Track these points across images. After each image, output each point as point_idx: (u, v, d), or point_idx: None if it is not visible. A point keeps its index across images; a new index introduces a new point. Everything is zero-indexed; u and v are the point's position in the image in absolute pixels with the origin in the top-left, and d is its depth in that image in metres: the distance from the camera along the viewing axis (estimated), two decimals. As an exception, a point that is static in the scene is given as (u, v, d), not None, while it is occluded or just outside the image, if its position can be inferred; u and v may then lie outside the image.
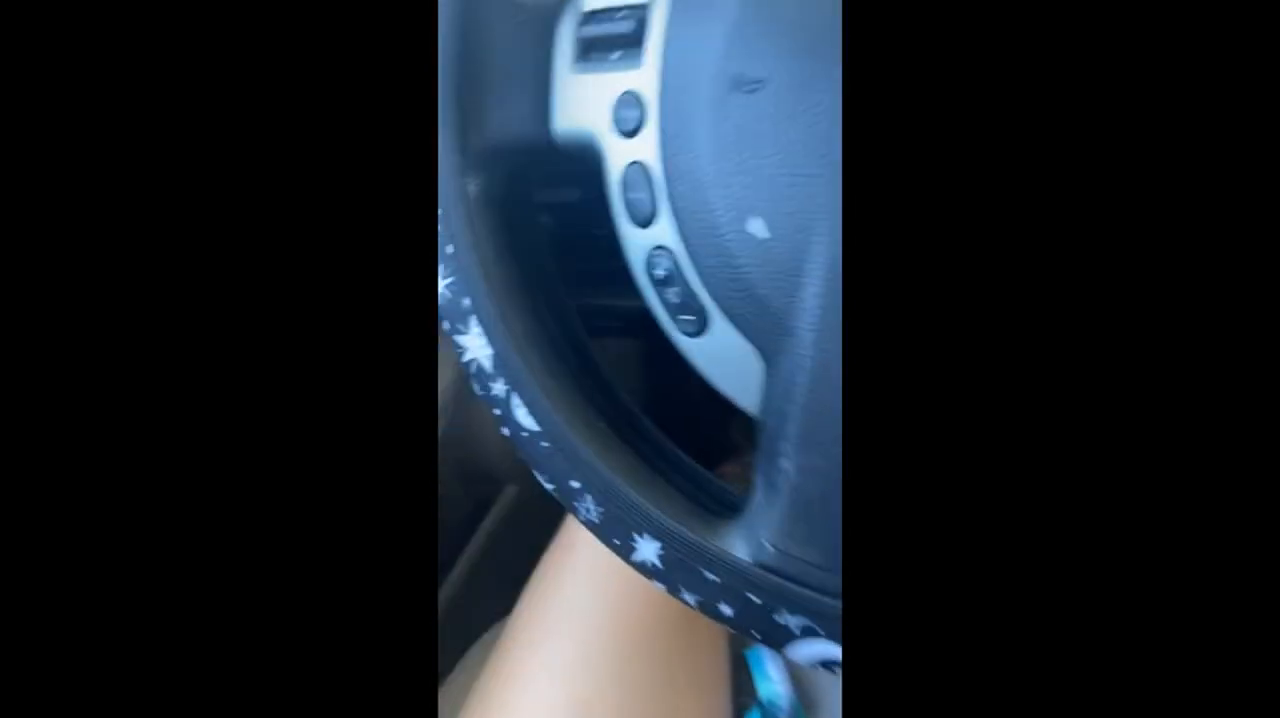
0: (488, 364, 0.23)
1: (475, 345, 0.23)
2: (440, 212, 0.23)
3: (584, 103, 0.23)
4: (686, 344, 0.23)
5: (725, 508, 0.25)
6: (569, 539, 0.35)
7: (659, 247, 0.22)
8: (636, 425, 0.26)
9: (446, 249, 0.23)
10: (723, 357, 0.22)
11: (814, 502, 0.20)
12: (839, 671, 0.21)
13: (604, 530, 0.22)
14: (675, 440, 0.26)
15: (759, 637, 0.21)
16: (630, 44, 0.23)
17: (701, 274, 0.22)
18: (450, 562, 0.57)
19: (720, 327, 0.22)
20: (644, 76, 0.22)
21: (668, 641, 0.32)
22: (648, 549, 0.22)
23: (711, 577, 0.21)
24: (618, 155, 0.23)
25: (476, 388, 0.23)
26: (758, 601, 0.21)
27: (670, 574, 0.22)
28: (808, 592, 0.20)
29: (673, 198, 0.22)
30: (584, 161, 0.24)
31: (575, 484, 0.22)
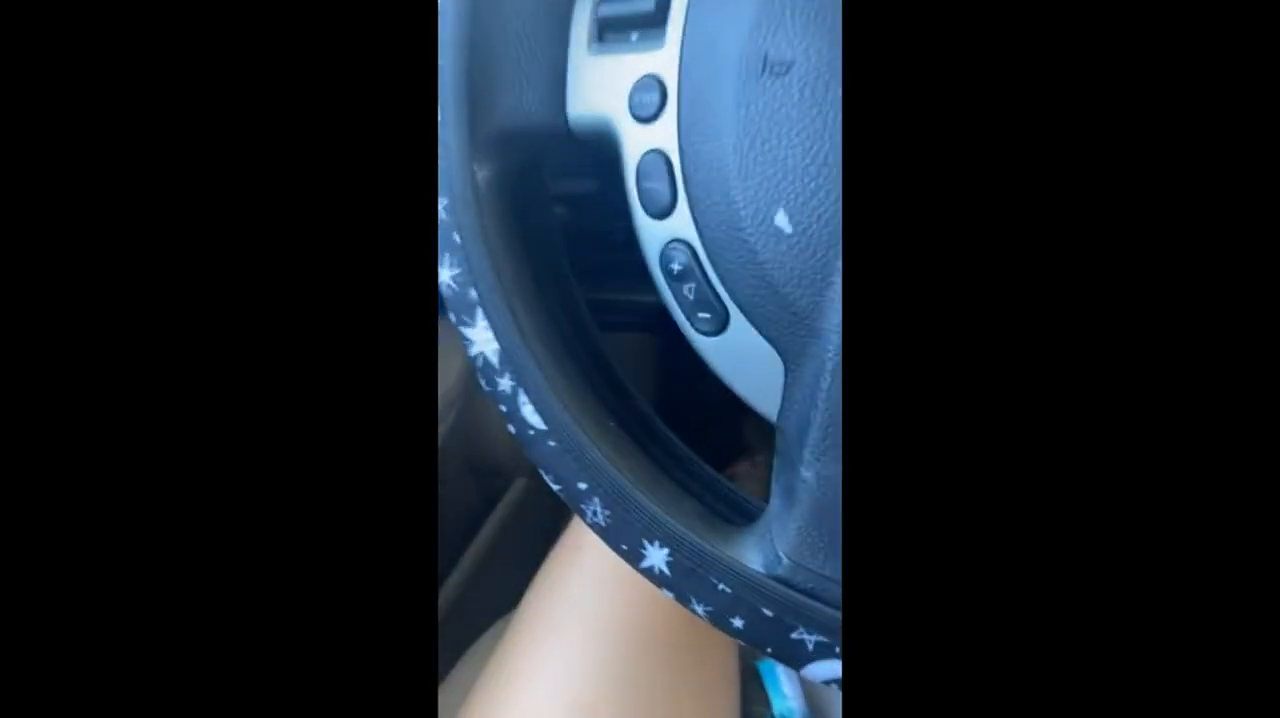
0: (494, 359, 0.22)
1: (482, 339, 0.22)
2: (448, 200, 0.22)
3: (600, 86, 0.22)
4: (703, 343, 0.22)
5: (738, 514, 0.24)
6: (576, 540, 0.34)
7: (676, 239, 0.22)
8: (648, 426, 0.25)
9: (454, 238, 0.22)
10: (741, 357, 0.21)
11: (834, 513, 0.19)
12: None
13: (612, 535, 0.22)
14: (687, 442, 0.25)
15: (771, 652, 0.21)
16: (651, 24, 0.22)
17: (720, 270, 0.21)
18: (456, 556, 0.57)
19: (739, 326, 0.21)
20: (664, 58, 0.21)
21: (675, 647, 0.32)
22: (657, 556, 0.21)
23: (723, 587, 0.21)
24: (635, 142, 0.22)
25: (483, 383, 0.23)
26: (770, 614, 0.20)
27: (680, 583, 0.21)
28: (823, 607, 0.20)
29: (692, 188, 0.21)
30: (599, 149, 0.23)
31: (583, 486, 0.22)
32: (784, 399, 0.21)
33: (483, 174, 0.22)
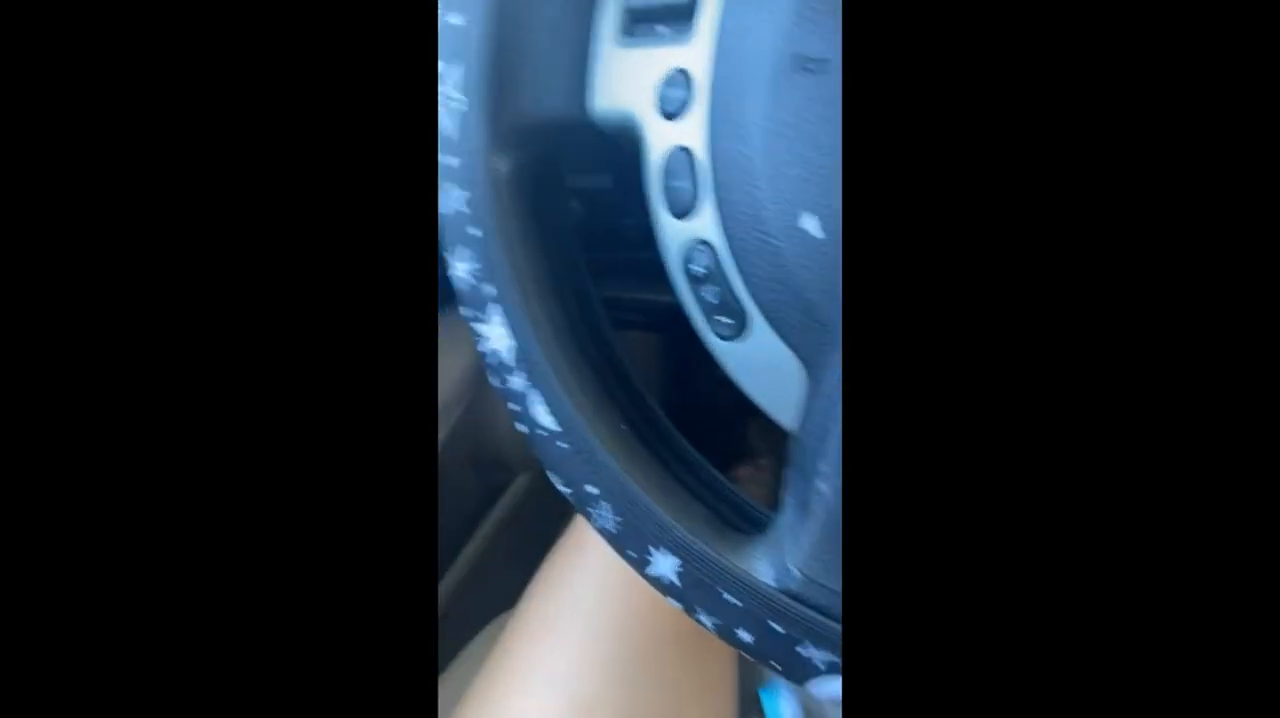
0: (508, 357, 0.21)
1: (496, 335, 0.22)
2: (469, 193, 0.21)
3: (627, 80, 0.22)
4: (721, 348, 0.22)
5: (745, 521, 0.23)
6: (577, 539, 0.34)
7: (699, 240, 0.21)
8: (661, 431, 0.25)
9: (473, 232, 0.21)
10: (761, 364, 0.21)
11: None
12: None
13: (620, 540, 0.21)
14: (700, 448, 0.25)
15: (779, 668, 0.20)
16: (681, 16, 0.21)
17: (744, 273, 0.20)
18: (456, 551, 0.57)
19: (760, 331, 0.21)
20: (694, 53, 0.21)
21: (675, 651, 0.32)
22: (665, 564, 0.21)
23: (732, 600, 0.20)
24: (660, 139, 0.21)
25: (494, 380, 0.22)
26: (780, 630, 0.20)
27: (688, 593, 0.21)
28: (835, 624, 0.19)
29: (717, 188, 0.20)
30: (622, 144, 0.22)
31: (592, 489, 0.21)
32: (804, 408, 0.20)
33: (503, 166, 0.22)
